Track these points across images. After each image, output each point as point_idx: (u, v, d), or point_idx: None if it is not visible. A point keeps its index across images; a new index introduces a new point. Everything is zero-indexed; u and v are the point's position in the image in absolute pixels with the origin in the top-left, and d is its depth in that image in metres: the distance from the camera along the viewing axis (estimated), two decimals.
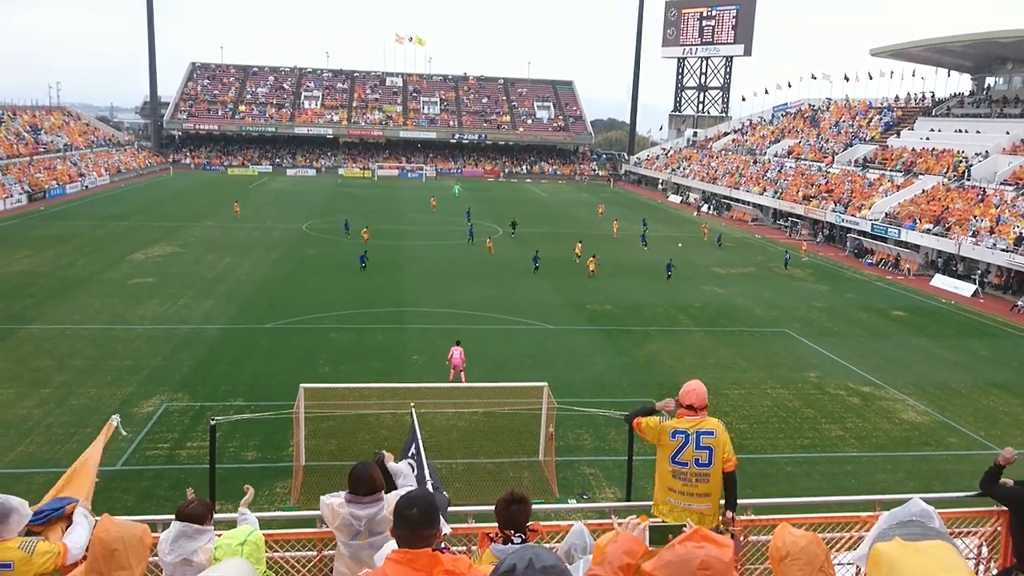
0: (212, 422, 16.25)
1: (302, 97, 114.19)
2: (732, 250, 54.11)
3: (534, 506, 5.02)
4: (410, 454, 9.76)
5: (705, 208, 78.76)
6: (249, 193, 77.08)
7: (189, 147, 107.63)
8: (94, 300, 32.88)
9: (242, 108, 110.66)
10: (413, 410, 8.17)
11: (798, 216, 65.63)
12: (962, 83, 73.73)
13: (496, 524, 4.59)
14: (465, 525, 5.74)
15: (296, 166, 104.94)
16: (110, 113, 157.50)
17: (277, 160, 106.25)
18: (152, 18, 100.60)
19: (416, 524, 3.23)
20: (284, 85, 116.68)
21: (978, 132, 60.52)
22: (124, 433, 6.92)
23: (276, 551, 5.31)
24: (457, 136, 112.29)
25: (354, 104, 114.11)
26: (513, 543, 4.37)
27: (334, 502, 4.92)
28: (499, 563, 2.39)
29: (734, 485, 6.46)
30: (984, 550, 5.83)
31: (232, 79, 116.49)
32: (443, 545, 3.94)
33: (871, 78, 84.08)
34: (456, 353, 24.21)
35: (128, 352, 26.30)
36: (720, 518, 6.34)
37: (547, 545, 5.03)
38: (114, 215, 57.91)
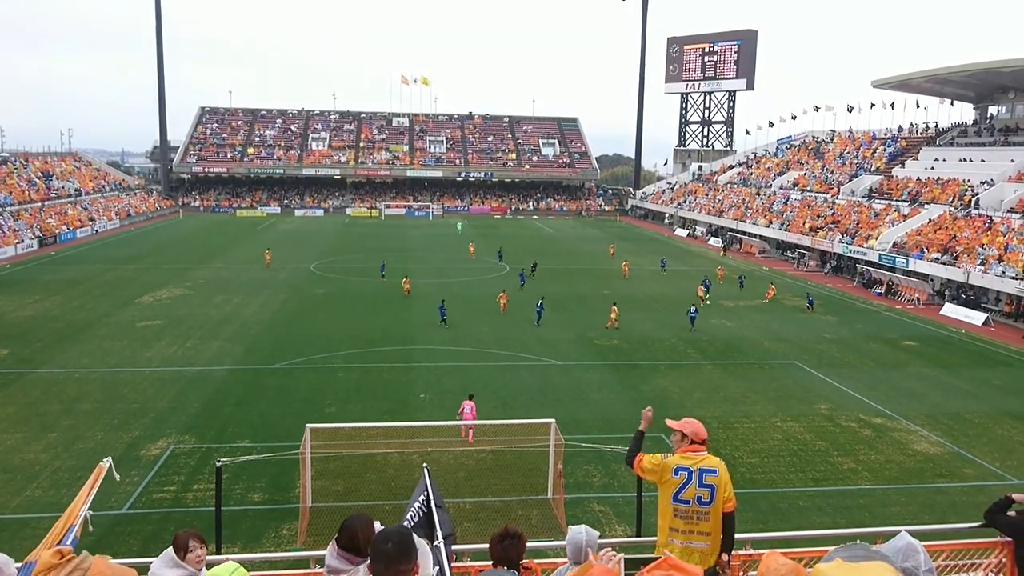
0: (218, 464, 16.19)
1: (309, 139, 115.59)
2: (739, 283, 53.94)
3: (543, 543, 4.96)
4: (414, 507, 9.55)
5: (733, 246, 76.23)
6: (258, 234, 77.73)
7: (198, 190, 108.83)
8: (103, 343, 33.01)
9: (250, 151, 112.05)
10: (426, 469, 8.00)
11: (806, 248, 65.60)
12: (965, 112, 74.14)
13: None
14: (461, 564, 5.68)
15: (304, 207, 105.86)
16: (121, 158, 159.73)
17: (285, 201, 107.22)
18: (162, 64, 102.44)
19: (392, 558, 3.22)
20: (292, 127, 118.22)
21: (983, 161, 60.62)
22: (117, 477, 6.88)
23: None
24: (463, 174, 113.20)
25: (361, 144, 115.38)
26: None
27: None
28: None
29: (732, 526, 6.37)
30: None
31: (240, 122, 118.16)
32: None
33: (873, 107, 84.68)
34: (467, 408, 22.50)
35: (135, 395, 26.32)
36: (715, 559, 6.25)
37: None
38: (123, 258, 58.40)
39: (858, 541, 2.35)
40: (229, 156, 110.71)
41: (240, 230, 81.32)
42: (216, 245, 67.90)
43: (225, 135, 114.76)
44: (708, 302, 43.98)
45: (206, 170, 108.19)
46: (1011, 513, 5.81)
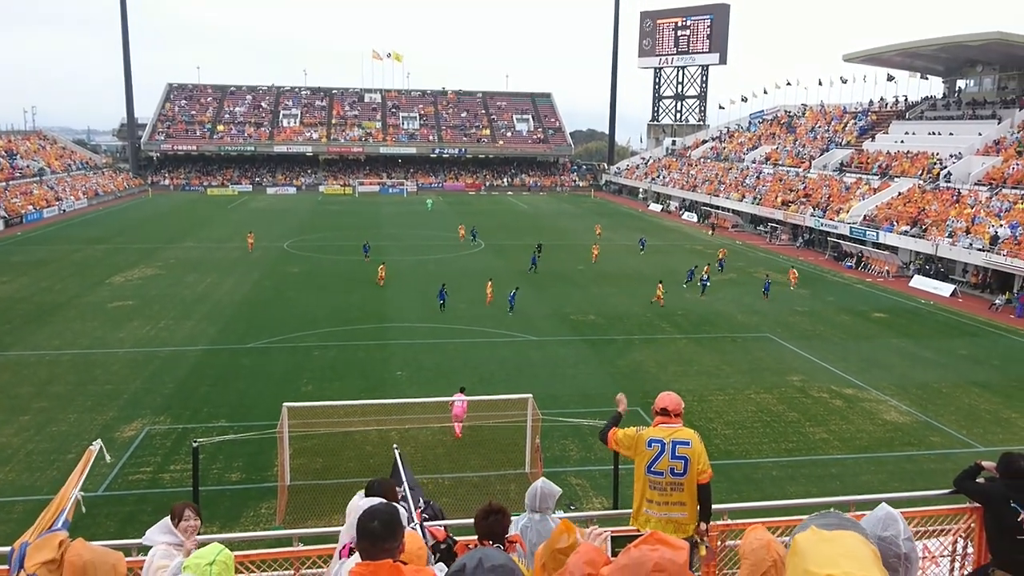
0: (194, 444, 16.12)
1: (281, 115, 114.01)
2: (712, 257, 54.34)
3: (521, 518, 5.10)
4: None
5: (733, 224, 73.76)
6: (229, 213, 76.82)
7: (168, 168, 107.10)
8: (73, 324, 32.57)
9: (220, 128, 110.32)
10: (396, 451, 7.97)
11: (778, 221, 66.20)
12: (934, 86, 74.88)
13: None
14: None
15: (276, 184, 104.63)
16: (87, 136, 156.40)
17: (257, 179, 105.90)
18: (127, 40, 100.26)
19: (378, 537, 3.24)
20: (262, 104, 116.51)
21: (951, 134, 61.37)
22: (108, 458, 6.88)
23: (253, 572, 5.27)
24: (437, 151, 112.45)
25: (333, 121, 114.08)
26: None
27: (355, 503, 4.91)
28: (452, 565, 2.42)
29: (708, 497, 6.49)
30: (959, 546, 5.88)
31: (210, 99, 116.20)
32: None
33: (844, 82, 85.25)
34: (458, 401, 21.42)
35: (108, 376, 26.05)
36: (694, 529, 6.37)
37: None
38: (92, 238, 57.47)
39: (832, 509, 2.42)
40: (198, 133, 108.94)
41: (211, 209, 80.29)
42: (187, 224, 67.01)
43: (194, 112, 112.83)
44: (706, 281, 42.09)
45: (175, 148, 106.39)
46: (980, 480, 5.96)
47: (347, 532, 4.55)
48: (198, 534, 5.15)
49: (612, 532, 4.99)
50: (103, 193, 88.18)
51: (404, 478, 7.68)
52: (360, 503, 4.63)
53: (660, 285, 38.82)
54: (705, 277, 41.41)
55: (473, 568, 2.01)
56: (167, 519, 5.13)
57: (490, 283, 38.48)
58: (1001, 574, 5.47)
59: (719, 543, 5.58)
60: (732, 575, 5.59)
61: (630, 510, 6.85)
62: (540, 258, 48.29)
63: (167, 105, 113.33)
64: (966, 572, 5.94)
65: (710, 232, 68.17)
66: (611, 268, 48.18)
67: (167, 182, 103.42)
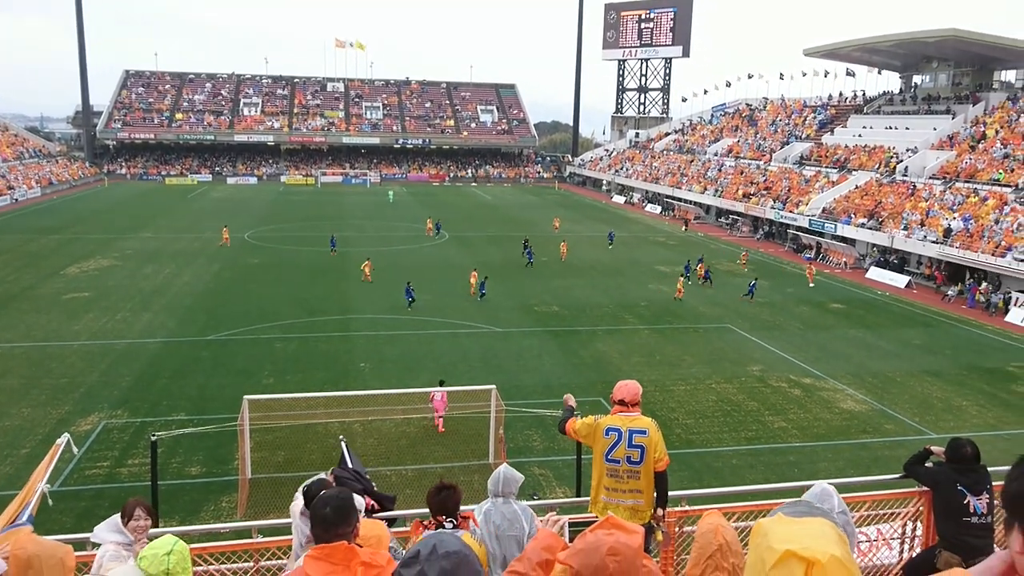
0: (152, 438, 15.89)
1: (241, 104, 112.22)
2: (675, 248, 54.94)
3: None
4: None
5: (669, 213, 74.39)
6: (188, 203, 75.56)
7: (124, 157, 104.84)
8: (26, 317, 31.79)
9: (179, 116, 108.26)
10: (344, 444, 7.83)
11: (739, 213, 67.01)
12: (891, 82, 76.23)
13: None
14: (405, 528, 5.75)
15: (237, 174, 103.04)
16: (40, 123, 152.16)
17: (217, 169, 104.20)
18: (82, 24, 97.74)
19: (331, 523, 3.28)
20: (222, 92, 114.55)
21: (907, 129, 62.61)
22: (75, 451, 6.81)
23: (212, 564, 5.23)
24: (401, 141, 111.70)
25: (295, 110, 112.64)
26: (444, 528, 4.55)
27: (296, 507, 4.95)
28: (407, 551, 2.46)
29: (665, 484, 6.62)
30: (908, 528, 6.06)
31: (168, 87, 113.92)
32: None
33: (804, 76, 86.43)
34: (438, 396, 21.25)
35: (63, 369, 25.50)
36: (651, 515, 6.48)
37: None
38: (46, 228, 56.08)
39: (802, 498, 2.48)
40: (156, 121, 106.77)
41: (170, 199, 78.88)
42: (145, 214, 65.71)
43: (152, 100, 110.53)
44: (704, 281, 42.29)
45: (132, 136, 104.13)
46: (929, 464, 6.15)
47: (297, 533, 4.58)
48: (151, 533, 5.09)
49: (571, 519, 5.07)
50: (57, 182, 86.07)
51: (352, 467, 7.74)
52: (299, 507, 4.65)
53: (681, 280, 39.63)
54: (753, 283, 39.45)
55: (427, 555, 2.03)
56: (117, 516, 5.04)
57: (474, 273, 38.64)
58: (948, 555, 5.65)
59: (677, 529, 5.68)
60: (687, 559, 5.70)
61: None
62: (533, 252, 46.97)
63: (124, 92, 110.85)
64: (915, 554, 6.11)
65: (684, 228, 66.95)
66: (575, 260, 48.33)
67: (124, 171, 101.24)
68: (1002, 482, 5.91)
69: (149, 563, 3.74)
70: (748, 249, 53.82)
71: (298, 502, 4.96)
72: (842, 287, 43.88)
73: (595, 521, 2.46)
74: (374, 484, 7.90)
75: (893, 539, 6.03)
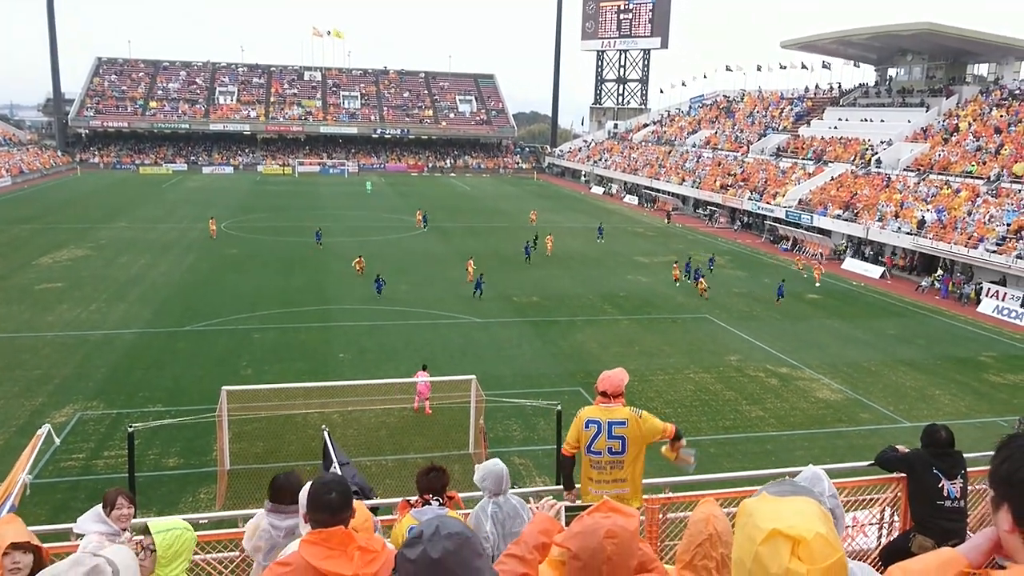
0: (129, 429, 15.75)
1: (217, 92, 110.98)
2: (654, 239, 55.22)
3: (466, 496, 5.21)
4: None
5: (673, 208, 72.33)
6: (163, 192, 74.69)
7: (97, 146, 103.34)
8: None
9: (153, 104, 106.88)
10: (326, 433, 7.80)
11: (717, 205, 67.44)
12: (867, 74, 76.94)
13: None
14: (392, 516, 5.77)
15: (213, 164, 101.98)
16: (10, 111, 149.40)
17: (192, 158, 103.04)
18: (53, 9, 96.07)
19: (337, 507, 3.30)
20: (197, 80, 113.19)
21: (882, 121, 63.28)
22: (57, 442, 6.78)
23: (197, 553, 5.22)
24: (379, 131, 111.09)
25: (272, 99, 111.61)
26: (431, 505, 4.63)
27: (254, 520, 4.86)
28: (409, 531, 2.49)
29: (679, 433, 7.03)
30: (887, 514, 6.17)
31: (141, 74, 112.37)
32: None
33: (783, 68, 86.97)
34: (421, 381, 21.16)
35: (37, 361, 25.16)
36: (669, 448, 6.97)
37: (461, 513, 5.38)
38: (18, 218, 55.18)
39: (786, 478, 2.52)
40: (130, 110, 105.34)
41: (144, 188, 77.91)
42: (119, 204, 64.86)
43: (125, 87, 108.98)
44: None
45: (105, 124, 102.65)
46: (904, 448, 6.26)
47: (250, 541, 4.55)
48: (133, 523, 5.07)
49: (565, 504, 5.16)
50: (28, 171, 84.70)
51: (334, 457, 7.78)
52: (265, 522, 4.58)
53: (676, 265, 40.90)
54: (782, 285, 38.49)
55: (430, 535, 2.05)
56: (99, 507, 5.02)
57: (471, 261, 38.80)
58: (922, 539, 5.77)
59: (660, 516, 5.75)
60: (673, 546, 5.77)
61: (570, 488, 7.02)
62: (533, 249, 45.79)
63: (96, 80, 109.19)
64: (892, 539, 6.23)
65: (666, 220, 66.25)
66: (555, 250, 48.34)
67: (97, 160, 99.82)
68: (976, 468, 6.04)
69: (163, 537, 3.76)
70: (729, 243, 54.15)
71: (265, 518, 4.83)
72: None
73: (589, 506, 2.49)
74: (355, 473, 7.92)
75: (870, 525, 6.14)
